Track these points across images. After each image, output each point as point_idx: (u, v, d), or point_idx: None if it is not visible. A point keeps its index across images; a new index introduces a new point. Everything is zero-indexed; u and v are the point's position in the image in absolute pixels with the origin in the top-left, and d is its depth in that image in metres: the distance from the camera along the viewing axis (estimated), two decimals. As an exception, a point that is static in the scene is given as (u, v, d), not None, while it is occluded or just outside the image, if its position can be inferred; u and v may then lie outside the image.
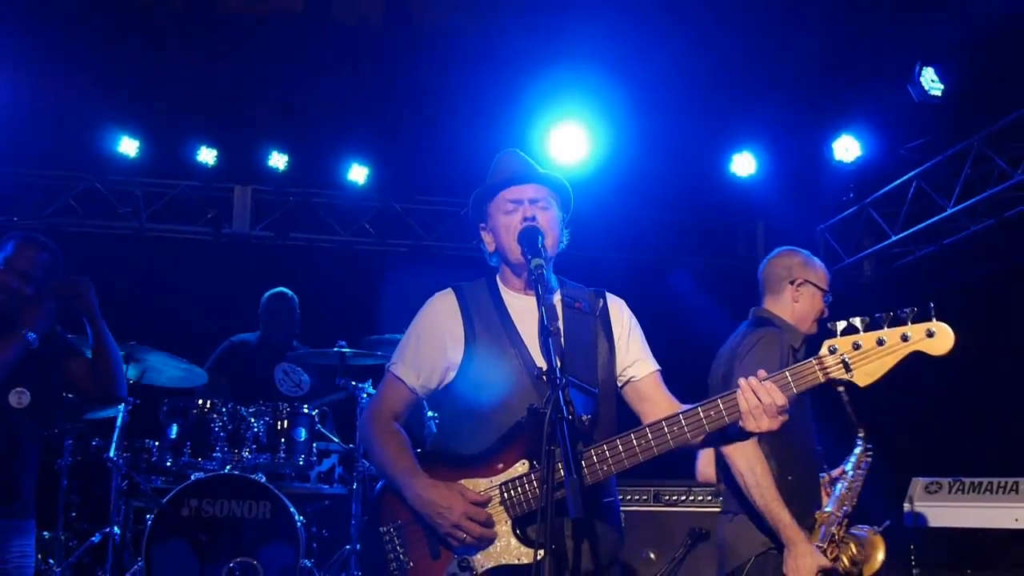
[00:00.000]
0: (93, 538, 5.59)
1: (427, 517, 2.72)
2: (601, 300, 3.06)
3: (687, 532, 5.16)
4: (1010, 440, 6.61)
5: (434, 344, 2.97)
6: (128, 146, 7.74)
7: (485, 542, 2.71)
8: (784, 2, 7.06)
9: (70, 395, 4.86)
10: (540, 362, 2.83)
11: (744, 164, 7.95)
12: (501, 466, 2.76)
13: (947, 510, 5.88)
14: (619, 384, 3.02)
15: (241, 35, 8.51)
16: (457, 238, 8.20)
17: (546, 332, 2.58)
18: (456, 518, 2.67)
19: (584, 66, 7.24)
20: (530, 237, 2.84)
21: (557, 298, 3.00)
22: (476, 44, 8.27)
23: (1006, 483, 5.79)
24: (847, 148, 7.49)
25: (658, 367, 3.08)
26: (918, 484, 6.07)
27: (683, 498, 5.28)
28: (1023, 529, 5.61)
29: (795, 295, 4.00)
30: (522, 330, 2.93)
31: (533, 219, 2.91)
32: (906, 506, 5.99)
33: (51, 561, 5.64)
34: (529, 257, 2.79)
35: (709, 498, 5.20)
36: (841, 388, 2.93)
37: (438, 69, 8.38)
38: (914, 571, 5.88)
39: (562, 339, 2.81)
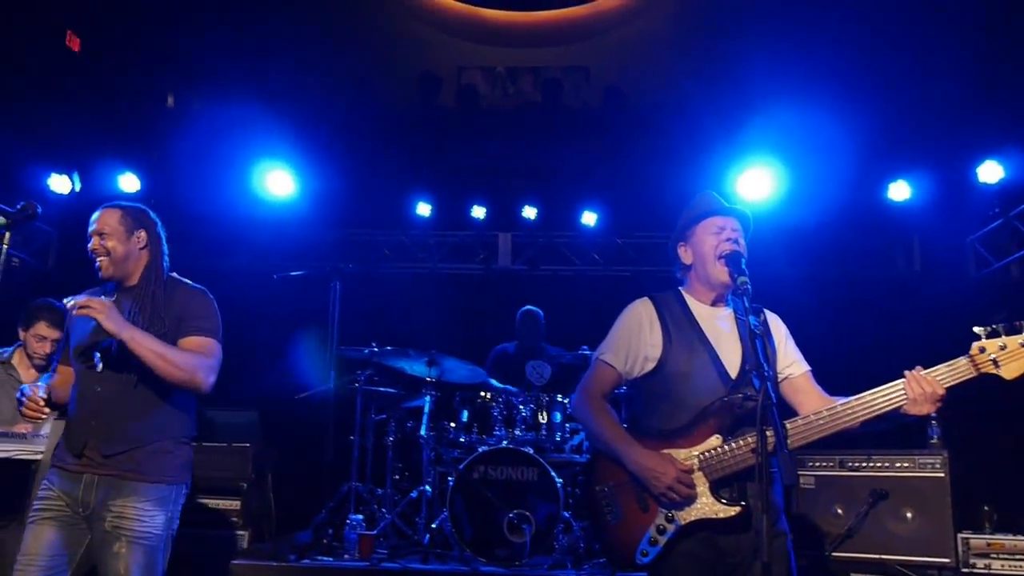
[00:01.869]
0: (411, 494, 5.84)
1: (643, 480, 2.71)
2: (763, 315, 2.97)
3: (869, 492, 4.88)
4: None
5: (637, 339, 2.93)
6: (423, 209, 8.06)
7: (689, 500, 2.67)
8: (926, 52, 6.71)
9: None
10: (725, 359, 2.82)
11: (899, 191, 7.45)
12: (697, 440, 2.73)
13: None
14: (779, 381, 2.93)
15: (498, 122, 8.82)
16: (666, 263, 8.06)
17: (753, 335, 2.55)
18: (669, 481, 2.65)
19: (766, 119, 7.06)
20: (735, 259, 2.81)
21: (731, 311, 2.96)
22: (673, 111, 8.22)
23: None
24: (991, 171, 6.89)
25: (809, 368, 2.99)
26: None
27: (864, 464, 4.98)
28: None
29: None
30: (708, 334, 2.88)
31: (736, 242, 2.89)
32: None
33: (383, 510, 5.90)
34: (736, 276, 2.76)
35: (886, 464, 4.90)
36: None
37: (645, 134, 8.38)
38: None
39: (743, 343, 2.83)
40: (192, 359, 2.98)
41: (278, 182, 7.55)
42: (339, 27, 8.91)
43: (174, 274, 3.25)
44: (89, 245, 3.11)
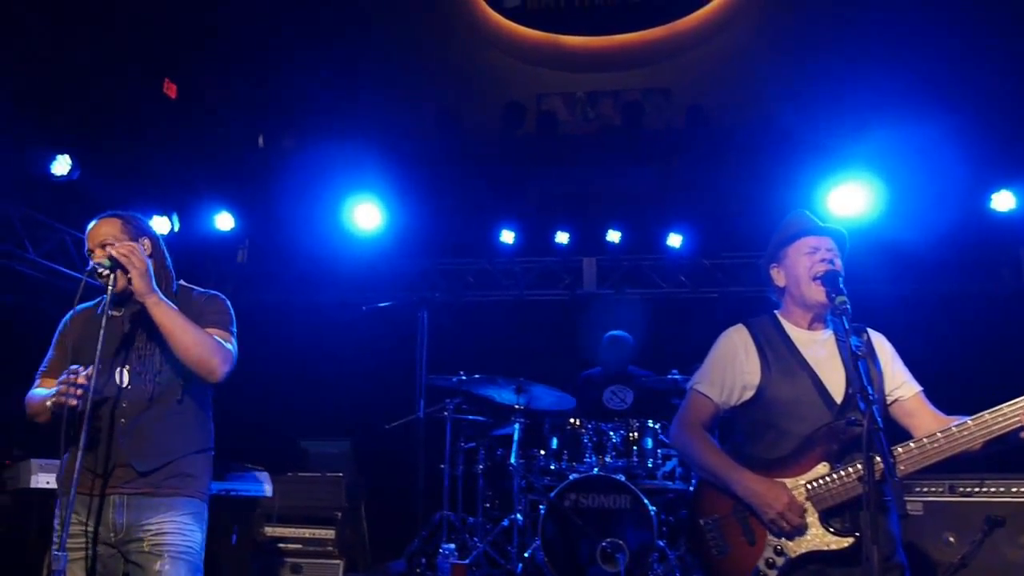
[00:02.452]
0: (503, 523, 5.80)
1: (754, 506, 2.62)
2: (864, 334, 2.85)
3: (983, 519, 4.60)
4: None
5: (736, 369, 2.85)
6: (507, 236, 8.09)
7: (799, 531, 2.57)
8: None
9: None
10: (828, 383, 2.72)
11: (1004, 201, 7.11)
12: (803, 468, 2.63)
13: None
14: (887, 403, 2.80)
15: (579, 147, 8.84)
16: (755, 283, 7.91)
17: (855, 357, 2.44)
18: (781, 507, 2.56)
19: (858, 132, 6.88)
20: (832, 279, 2.71)
21: (831, 333, 2.85)
22: (759, 129, 8.10)
23: None
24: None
25: (920, 388, 2.84)
26: None
27: (976, 489, 4.71)
28: None
29: None
30: (808, 358, 2.78)
31: (831, 262, 2.79)
32: None
33: (475, 539, 5.88)
34: (833, 296, 2.65)
35: (1002, 489, 4.62)
36: None
37: (730, 152, 8.28)
38: None
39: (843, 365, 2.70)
40: (211, 339, 2.82)
41: (366, 215, 7.72)
42: (423, 62, 9.12)
43: (182, 281, 3.09)
44: (91, 260, 2.87)
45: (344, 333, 7.36)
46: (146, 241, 2.95)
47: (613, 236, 8.00)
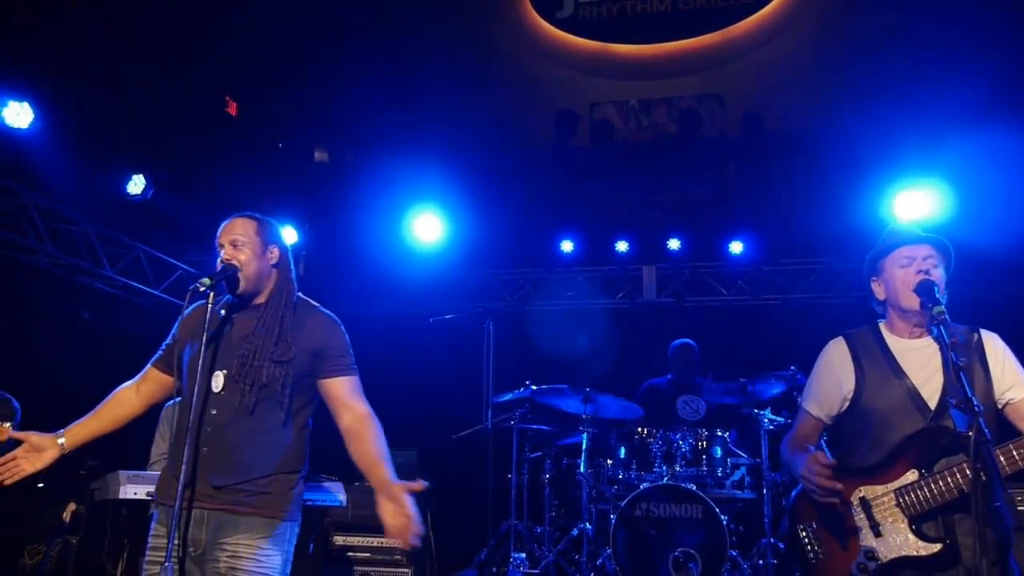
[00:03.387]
0: (572, 532, 5.82)
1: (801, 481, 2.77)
2: (975, 335, 2.83)
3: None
4: None
5: (831, 382, 2.92)
6: (567, 246, 8.12)
7: (881, 520, 2.63)
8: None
9: None
10: (923, 390, 2.72)
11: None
12: (894, 475, 2.66)
13: None
14: (999, 406, 2.76)
15: (635, 155, 8.84)
16: (816, 290, 7.83)
17: (957, 368, 2.43)
18: (807, 475, 2.75)
19: (923, 136, 6.77)
20: (928, 288, 2.71)
21: (932, 340, 2.81)
22: (817, 134, 8.03)
23: None
24: None
25: None
26: None
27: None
28: None
29: None
30: (905, 367, 2.79)
31: (927, 272, 2.78)
32: None
33: (544, 548, 5.92)
34: (930, 306, 2.65)
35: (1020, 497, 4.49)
36: None
37: (787, 158, 8.22)
38: None
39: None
40: (377, 424, 2.84)
41: (427, 227, 7.82)
42: (478, 75, 9.21)
43: (301, 295, 3.00)
44: (220, 254, 2.86)
45: (409, 344, 7.45)
46: (274, 249, 2.93)
47: (673, 244, 8.00)
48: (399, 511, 2.63)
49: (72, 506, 5.77)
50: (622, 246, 8.06)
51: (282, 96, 8.63)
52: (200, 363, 2.67)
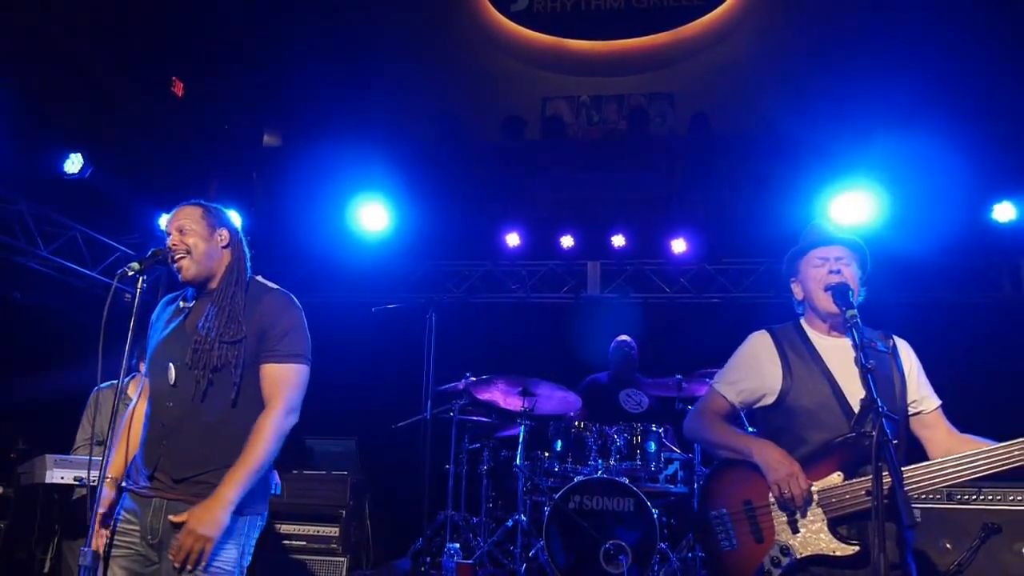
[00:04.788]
0: (507, 523, 5.86)
1: (764, 466, 2.71)
2: (891, 340, 2.89)
3: (979, 526, 4.67)
4: None
5: (754, 372, 2.92)
6: (513, 239, 8.16)
7: (802, 512, 2.65)
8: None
9: None
10: (848, 394, 2.75)
11: (1005, 212, 7.22)
12: (818, 475, 2.69)
13: None
14: (908, 414, 2.84)
15: (584, 151, 8.91)
16: (758, 289, 7.99)
17: (865, 370, 2.50)
18: (789, 470, 2.65)
19: (862, 141, 6.95)
20: (842, 291, 2.76)
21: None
22: (762, 136, 8.17)
23: None
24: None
25: (940, 402, 2.88)
26: None
27: (974, 497, 4.78)
28: None
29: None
30: (830, 366, 2.82)
31: (838, 272, 2.83)
32: None
33: (479, 539, 5.98)
34: (844, 309, 2.71)
35: (999, 497, 4.69)
36: None
37: (733, 159, 8.35)
38: None
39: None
40: (271, 434, 2.69)
41: (372, 216, 7.78)
42: (429, 63, 9.18)
43: (259, 277, 2.99)
44: (168, 242, 2.85)
45: (351, 333, 7.42)
46: (223, 232, 2.91)
47: (618, 240, 8.08)
48: (187, 528, 2.58)
49: (-1, 490, 5.64)
50: (568, 241, 8.13)
51: (230, 78, 8.51)
52: (126, 357, 2.69)
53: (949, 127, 6.94)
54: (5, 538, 5.36)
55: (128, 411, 2.98)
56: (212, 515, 2.58)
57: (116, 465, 2.87)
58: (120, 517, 2.74)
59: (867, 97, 7.56)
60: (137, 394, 2.98)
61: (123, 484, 2.80)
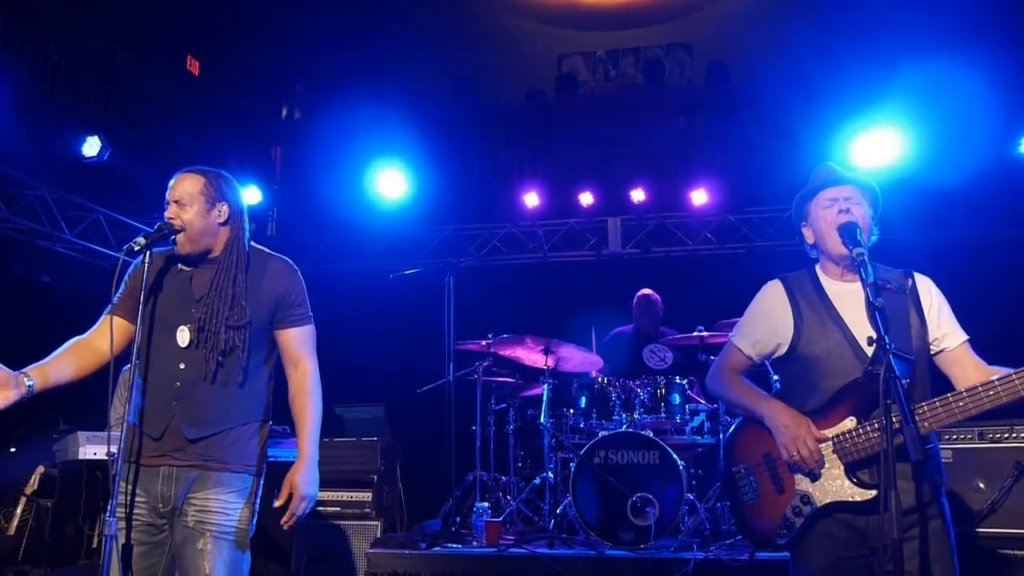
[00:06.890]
0: (535, 481, 5.92)
1: (773, 431, 2.69)
2: (910, 280, 2.80)
3: (1013, 465, 4.60)
4: None
5: (766, 323, 2.88)
6: (532, 199, 8.12)
7: (815, 468, 2.62)
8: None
9: None
10: (860, 338, 2.68)
11: (1033, 144, 7.01)
12: (832, 422, 2.65)
13: None
14: (932, 352, 2.75)
15: (601, 107, 8.79)
16: (782, 238, 7.87)
17: (872, 308, 2.45)
18: (795, 433, 2.63)
19: (885, 79, 6.77)
20: (850, 230, 2.68)
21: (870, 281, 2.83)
22: (781, 81, 8.01)
23: None
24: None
25: (967, 336, 2.78)
26: None
27: (1006, 435, 4.71)
28: None
29: None
30: (841, 311, 2.76)
31: (848, 211, 2.76)
32: None
33: (508, 497, 6.06)
34: (851, 247, 2.63)
35: (1032, 435, 4.61)
36: None
37: (752, 107, 8.20)
38: None
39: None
40: (318, 389, 2.93)
41: (391, 183, 7.78)
42: (443, 26, 9.09)
43: (255, 244, 2.96)
44: (165, 213, 2.78)
45: (374, 301, 7.47)
46: (223, 206, 2.83)
47: (637, 195, 7.99)
48: (298, 495, 2.78)
49: (41, 469, 5.80)
50: (587, 198, 8.05)
51: (244, 54, 8.51)
52: (141, 320, 2.65)
53: (975, 60, 6.72)
54: (54, 515, 5.53)
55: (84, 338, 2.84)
56: (312, 476, 2.81)
57: (45, 378, 2.67)
58: (120, 492, 2.66)
59: (890, 30, 7.33)
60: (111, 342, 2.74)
61: (112, 460, 2.76)
